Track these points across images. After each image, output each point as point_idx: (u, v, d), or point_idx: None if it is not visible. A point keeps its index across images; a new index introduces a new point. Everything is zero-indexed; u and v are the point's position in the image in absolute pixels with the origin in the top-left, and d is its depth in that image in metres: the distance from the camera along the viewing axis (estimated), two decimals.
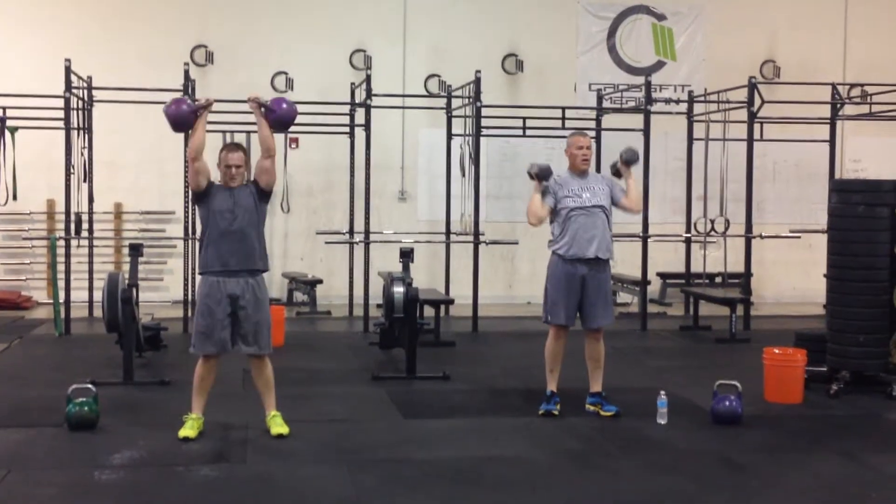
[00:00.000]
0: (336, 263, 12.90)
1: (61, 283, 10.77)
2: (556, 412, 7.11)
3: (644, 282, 11.80)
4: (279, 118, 6.73)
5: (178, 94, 11.05)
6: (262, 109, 6.68)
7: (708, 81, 13.59)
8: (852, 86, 12.83)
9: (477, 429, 6.94)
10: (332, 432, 6.74)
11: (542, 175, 7.24)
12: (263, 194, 6.65)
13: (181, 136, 11.12)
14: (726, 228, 12.01)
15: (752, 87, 11.54)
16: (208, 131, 11.90)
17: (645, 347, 10.51)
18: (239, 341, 6.49)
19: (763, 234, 12.00)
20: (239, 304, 6.42)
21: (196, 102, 6.72)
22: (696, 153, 12.75)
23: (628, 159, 7.37)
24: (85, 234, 11.52)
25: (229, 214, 6.47)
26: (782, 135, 12.85)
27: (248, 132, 12.67)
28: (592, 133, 12.45)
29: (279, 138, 11.79)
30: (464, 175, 11.98)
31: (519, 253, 13.61)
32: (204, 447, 6.28)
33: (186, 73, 11.08)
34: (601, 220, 7.13)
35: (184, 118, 6.70)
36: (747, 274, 11.84)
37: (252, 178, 6.69)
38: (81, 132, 11.43)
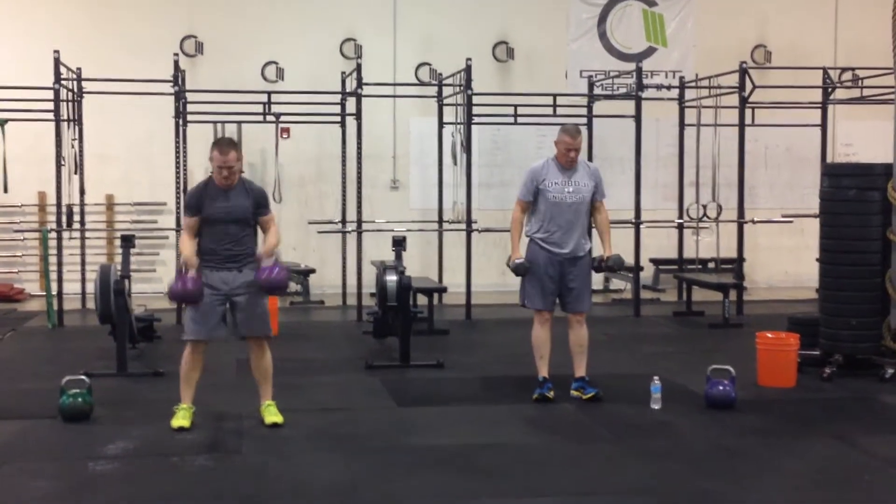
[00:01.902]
0: (329, 253, 12.89)
1: (53, 276, 10.76)
2: (550, 395, 7.13)
3: (637, 268, 11.81)
4: (268, 282, 6.42)
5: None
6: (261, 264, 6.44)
7: (699, 67, 13.58)
8: (843, 70, 12.84)
9: (471, 416, 6.95)
10: (327, 421, 6.75)
11: (518, 272, 7.28)
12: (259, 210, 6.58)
13: (171, 127, 11.16)
14: (718, 214, 12.02)
15: (743, 72, 11.54)
16: (198, 122, 11.95)
17: (638, 333, 10.52)
18: (236, 326, 6.49)
19: (755, 219, 12.03)
20: (233, 290, 6.40)
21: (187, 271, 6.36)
22: (687, 139, 12.75)
23: (613, 265, 7.36)
24: (77, 226, 11.50)
25: (224, 218, 6.40)
26: (774, 120, 12.86)
27: (239, 122, 12.70)
28: (584, 120, 12.46)
29: (270, 129, 11.81)
30: (455, 163, 11.98)
31: None
32: (198, 437, 6.28)
33: (176, 63, 11.05)
34: (580, 216, 7.19)
35: (181, 294, 6.42)
36: (740, 259, 11.88)
37: (254, 202, 6.51)
38: (71, 124, 11.39)
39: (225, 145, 6.53)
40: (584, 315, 7.26)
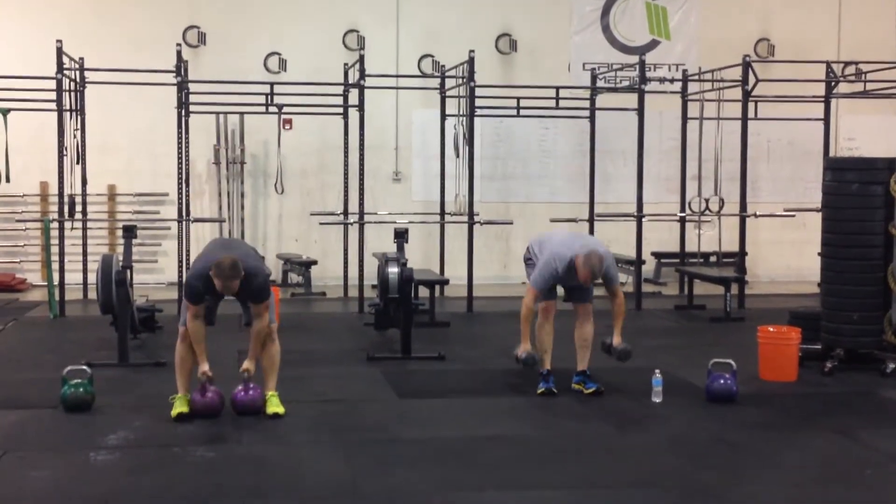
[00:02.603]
0: (330, 244, 12.89)
1: (55, 266, 10.76)
2: (555, 390, 7.13)
3: (639, 261, 11.81)
4: (239, 404, 6.53)
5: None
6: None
7: (702, 60, 13.55)
8: (847, 64, 12.80)
9: (472, 408, 6.95)
10: (328, 412, 6.75)
11: (527, 364, 7.21)
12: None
13: (173, 117, 11.14)
14: (721, 208, 12.01)
15: (746, 65, 11.52)
16: (200, 113, 11.95)
17: (639, 327, 10.48)
18: (245, 313, 6.65)
19: (757, 213, 12.00)
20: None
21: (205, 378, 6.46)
22: (690, 132, 12.73)
23: (619, 357, 7.26)
24: (79, 216, 11.48)
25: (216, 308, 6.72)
26: (776, 113, 12.83)
27: (241, 113, 12.70)
28: (586, 113, 12.45)
29: (272, 120, 11.79)
30: (458, 155, 11.95)
31: (513, 233, 13.61)
32: (199, 428, 6.28)
33: (179, 54, 11.02)
34: None
35: (202, 410, 6.47)
36: (742, 253, 11.87)
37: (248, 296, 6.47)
38: (74, 114, 11.37)
39: (229, 273, 6.21)
40: (590, 307, 7.26)
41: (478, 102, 11.40)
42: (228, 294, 6.31)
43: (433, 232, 12.79)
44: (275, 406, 6.53)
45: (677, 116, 13.02)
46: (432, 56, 13.45)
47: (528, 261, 7.46)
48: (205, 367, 6.41)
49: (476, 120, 11.58)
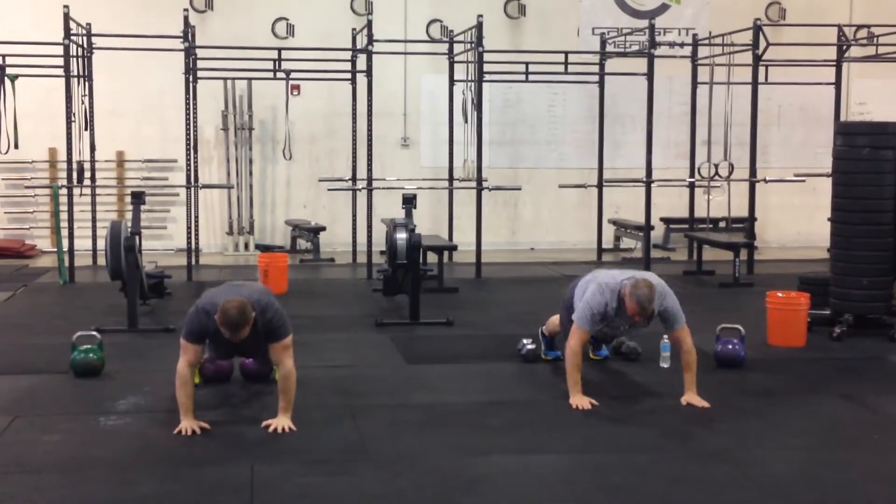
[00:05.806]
0: (339, 210, 12.90)
1: (65, 232, 10.78)
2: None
3: (647, 227, 11.76)
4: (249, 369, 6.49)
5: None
6: None
7: (713, 24, 13.45)
8: (859, 27, 12.70)
9: (480, 374, 6.97)
10: (337, 378, 6.77)
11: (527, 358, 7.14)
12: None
13: (181, 83, 11.10)
14: (730, 173, 11.94)
15: (757, 29, 11.43)
16: (208, 78, 11.90)
17: None
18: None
19: (767, 178, 11.94)
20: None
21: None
22: (700, 97, 12.66)
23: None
24: (87, 182, 11.49)
25: (231, 354, 6.08)
26: (787, 78, 12.75)
27: (249, 79, 12.65)
28: (595, 78, 12.39)
29: (280, 85, 11.75)
30: (466, 121, 11.92)
31: (522, 199, 13.60)
32: (208, 393, 6.30)
33: (186, 19, 10.98)
34: None
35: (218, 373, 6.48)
36: (751, 218, 11.84)
37: (265, 334, 5.72)
38: (82, 80, 11.35)
39: (233, 326, 5.42)
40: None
41: (486, 67, 11.36)
42: (237, 340, 5.48)
43: (442, 198, 12.77)
44: None
45: (687, 81, 12.95)
46: (440, 21, 13.38)
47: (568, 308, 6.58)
48: (192, 423, 5.58)
49: (484, 85, 11.54)
